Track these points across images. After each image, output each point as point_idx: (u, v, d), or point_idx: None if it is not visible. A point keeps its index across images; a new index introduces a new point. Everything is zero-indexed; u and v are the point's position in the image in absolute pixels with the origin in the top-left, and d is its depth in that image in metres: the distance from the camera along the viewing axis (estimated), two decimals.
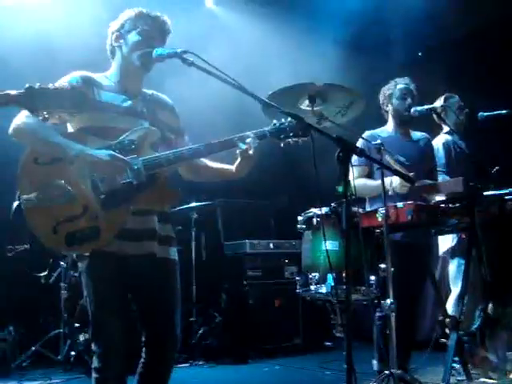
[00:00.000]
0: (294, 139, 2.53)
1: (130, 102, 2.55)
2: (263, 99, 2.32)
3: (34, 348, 5.00)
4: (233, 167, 2.61)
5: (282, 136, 2.52)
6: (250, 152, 2.50)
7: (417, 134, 3.95)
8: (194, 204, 5.64)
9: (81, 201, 2.31)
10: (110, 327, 2.38)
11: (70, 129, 2.48)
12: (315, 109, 2.95)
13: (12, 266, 4.56)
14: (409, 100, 3.77)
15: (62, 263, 5.15)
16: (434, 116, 4.24)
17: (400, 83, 3.87)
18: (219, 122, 5.33)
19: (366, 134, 3.77)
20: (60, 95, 1.81)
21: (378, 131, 3.85)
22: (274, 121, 2.56)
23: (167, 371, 2.51)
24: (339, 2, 5.55)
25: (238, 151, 2.53)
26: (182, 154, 2.45)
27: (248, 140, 2.49)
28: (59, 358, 4.99)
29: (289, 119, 2.52)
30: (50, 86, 1.81)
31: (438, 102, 4.28)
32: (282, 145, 2.56)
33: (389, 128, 3.90)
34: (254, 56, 5.73)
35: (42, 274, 4.85)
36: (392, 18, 5.83)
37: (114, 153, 2.32)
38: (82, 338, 4.82)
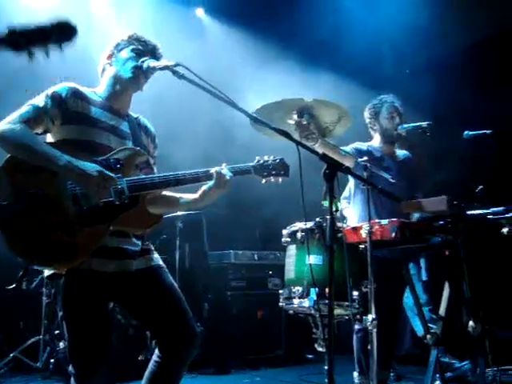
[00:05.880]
0: (275, 177, 2.61)
1: (115, 121, 2.53)
2: (252, 115, 2.34)
3: (12, 354, 4.93)
4: (196, 196, 2.59)
5: (264, 173, 2.60)
6: (227, 178, 2.51)
7: (401, 152, 3.98)
8: (179, 213, 5.63)
9: (59, 214, 2.24)
10: (89, 350, 2.30)
11: (50, 139, 2.41)
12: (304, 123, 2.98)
13: None
14: (397, 119, 3.79)
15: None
16: None
17: (387, 101, 3.88)
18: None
19: (352, 147, 3.77)
20: None
21: (364, 147, 3.87)
22: (257, 157, 2.61)
23: (184, 369, 2.49)
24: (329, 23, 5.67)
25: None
26: (168, 180, 2.44)
27: (224, 169, 2.52)
28: (38, 365, 4.93)
29: (272, 157, 2.61)
30: None
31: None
32: (263, 181, 2.63)
33: (374, 144, 3.92)
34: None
35: (9, 287, 4.76)
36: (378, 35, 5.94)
37: (101, 169, 2.27)
38: (61, 345, 4.77)
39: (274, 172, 2.59)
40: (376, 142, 3.93)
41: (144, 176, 2.43)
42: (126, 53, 2.55)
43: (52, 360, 4.82)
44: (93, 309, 2.32)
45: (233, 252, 5.91)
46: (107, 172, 2.27)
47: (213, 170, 2.51)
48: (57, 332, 4.89)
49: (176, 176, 2.46)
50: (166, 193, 2.64)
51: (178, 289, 2.53)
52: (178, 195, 2.65)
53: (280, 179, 2.60)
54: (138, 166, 2.46)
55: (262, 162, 2.60)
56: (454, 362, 4.36)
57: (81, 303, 2.31)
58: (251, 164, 2.61)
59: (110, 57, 2.59)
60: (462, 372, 4.22)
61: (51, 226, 2.22)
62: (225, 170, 2.52)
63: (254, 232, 6.88)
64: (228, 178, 2.51)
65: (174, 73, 2.31)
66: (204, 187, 2.55)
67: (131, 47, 2.56)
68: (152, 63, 2.47)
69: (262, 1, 6.06)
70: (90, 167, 2.25)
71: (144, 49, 2.56)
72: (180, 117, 5.63)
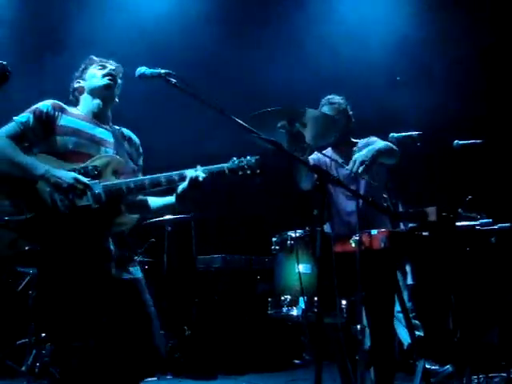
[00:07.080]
0: (251, 178, 2.58)
1: (97, 131, 2.66)
2: (243, 124, 2.35)
3: None
4: (172, 200, 2.65)
5: (239, 173, 2.58)
6: (200, 179, 2.52)
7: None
8: (168, 217, 5.60)
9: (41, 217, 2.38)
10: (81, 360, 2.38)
11: (36, 151, 2.55)
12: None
13: None
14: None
15: (30, 271, 5.06)
16: None
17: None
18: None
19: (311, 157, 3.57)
20: None
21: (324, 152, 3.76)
22: (234, 158, 2.61)
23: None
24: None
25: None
26: (143, 183, 2.53)
27: (198, 170, 2.55)
28: (23, 369, 4.87)
29: (248, 157, 2.59)
30: None
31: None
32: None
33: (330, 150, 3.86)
34: None
35: None
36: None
37: (77, 175, 2.42)
38: (48, 347, 4.72)
39: (249, 172, 2.57)
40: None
41: (120, 181, 2.53)
42: (92, 69, 2.72)
43: (38, 364, 4.77)
44: (76, 314, 2.41)
45: (221, 256, 5.90)
46: (83, 179, 2.42)
47: (187, 172, 2.56)
48: (44, 334, 4.85)
49: (151, 179, 2.54)
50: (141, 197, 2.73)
51: (146, 304, 2.58)
52: (149, 199, 2.74)
53: (258, 179, 2.58)
54: (116, 172, 2.57)
55: (236, 162, 2.59)
56: (435, 367, 4.39)
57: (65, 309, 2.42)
58: (226, 164, 2.60)
59: (78, 81, 2.74)
60: (445, 377, 4.25)
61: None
62: (198, 171, 2.55)
63: (242, 237, 6.87)
64: (201, 179, 2.52)
65: (167, 81, 2.34)
66: (177, 190, 2.58)
67: (94, 64, 2.73)
68: (142, 70, 2.47)
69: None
70: (66, 175, 2.41)
71: (106, 63, 2.73)
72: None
